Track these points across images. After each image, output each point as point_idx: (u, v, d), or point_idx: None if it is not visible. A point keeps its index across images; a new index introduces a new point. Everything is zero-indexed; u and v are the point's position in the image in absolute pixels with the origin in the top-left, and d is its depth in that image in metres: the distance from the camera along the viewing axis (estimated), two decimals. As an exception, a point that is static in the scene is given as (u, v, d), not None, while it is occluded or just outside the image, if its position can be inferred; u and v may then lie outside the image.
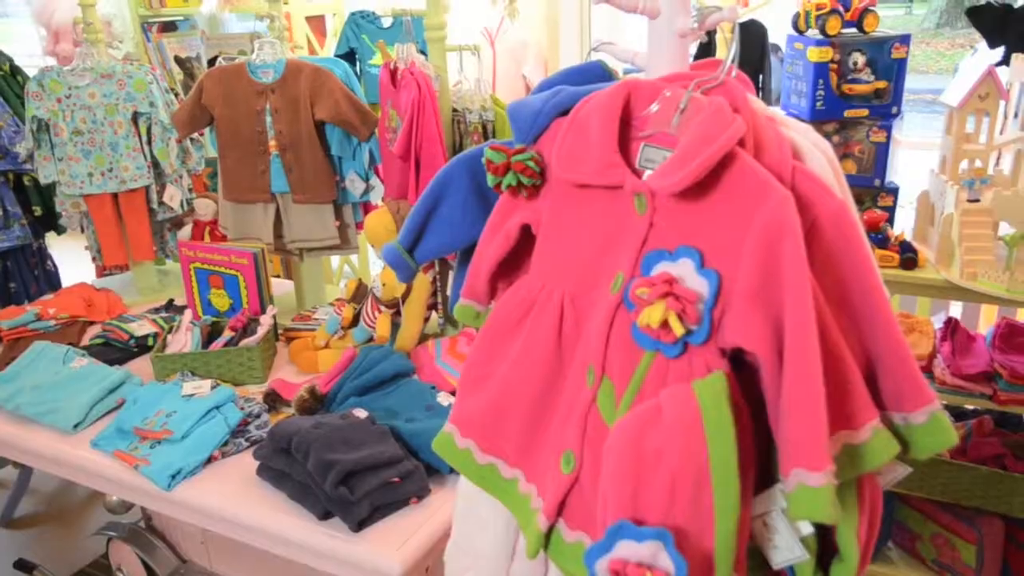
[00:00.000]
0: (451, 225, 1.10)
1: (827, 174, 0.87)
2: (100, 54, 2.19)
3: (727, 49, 2.65)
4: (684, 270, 0.83)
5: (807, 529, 0.81)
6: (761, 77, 2.64)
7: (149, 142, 2.24)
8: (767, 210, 0.78)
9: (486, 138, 1.72)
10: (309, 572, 1.94)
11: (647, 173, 0.91)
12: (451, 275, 1.83)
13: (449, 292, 1.70)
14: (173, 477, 1.51)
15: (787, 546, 0.82)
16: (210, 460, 1.56)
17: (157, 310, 2.21)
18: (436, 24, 1.77)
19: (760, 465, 0.84)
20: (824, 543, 0.84)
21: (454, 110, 1.81)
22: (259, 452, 1.50)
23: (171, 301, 2.29)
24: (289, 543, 1.40)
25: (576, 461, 0.91)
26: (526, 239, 1.03)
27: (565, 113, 0.98)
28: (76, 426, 1.69)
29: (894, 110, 1.93)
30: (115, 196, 2.28)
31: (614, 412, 0.88)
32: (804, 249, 0.76)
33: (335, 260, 3.45)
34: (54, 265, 2.66)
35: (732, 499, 0.75)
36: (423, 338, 1.87)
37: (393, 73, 1.84)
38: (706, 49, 2.68)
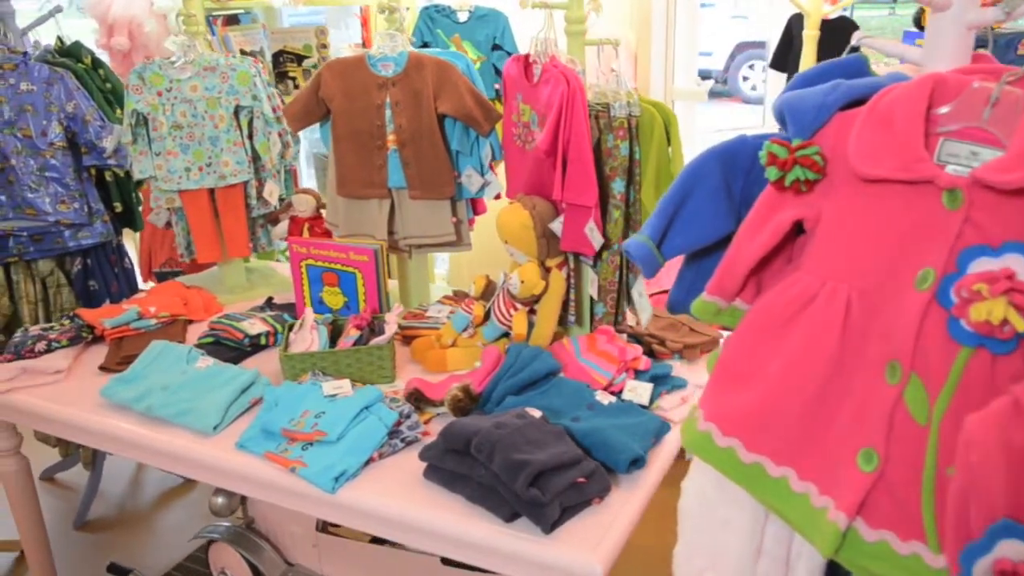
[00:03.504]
0: (698, 221, 1.08)
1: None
2: (201, 46, 2.13)
3: (812, 47, 2.65)
4: (1015, 266, 0.82)
5: None
6: (851, 74, 2.64)
7: (250, 136, 2.19)
8: (1119, 204, 0.78)
9: (630, 134, 1.70)
10: None
11: (949, 168, 0.90)
12: (588, 273, 1.81)
13: (636, 292, 1.66)
14: (336, 479, 1.48)
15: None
16: (368, 462, 1.53)
17: (262, 308, 2.16)
18: (576, 18, 1.75)
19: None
20: None
21: (588, 104, 1.78)
22: (427, 453, 1.47)
23: (270, 299, 2.24)
24: (473, 546, 1.37)
25: (880, 459, 0.89)
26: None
27: (844, 107, 0.97)
28: (215, 427, 1.65)
29: (1016, 107, 1.93)
30: (211, 191, 2.23)
31: (927, 409, 0.87)
32: None
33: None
34: (131, 263, 2.59)
35: (1103, 497, 0.75)
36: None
37: (526, 67, 1.81)
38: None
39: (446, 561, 1.87)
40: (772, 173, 0.96)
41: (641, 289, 1.21)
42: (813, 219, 0.97)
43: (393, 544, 2.06)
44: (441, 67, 1.91)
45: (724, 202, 1.08)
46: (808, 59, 2.55)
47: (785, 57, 2.82)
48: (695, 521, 1.13)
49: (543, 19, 1.76)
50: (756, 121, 7.17)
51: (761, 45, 9.49)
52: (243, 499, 2.18)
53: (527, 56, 1.80)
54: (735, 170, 1.08)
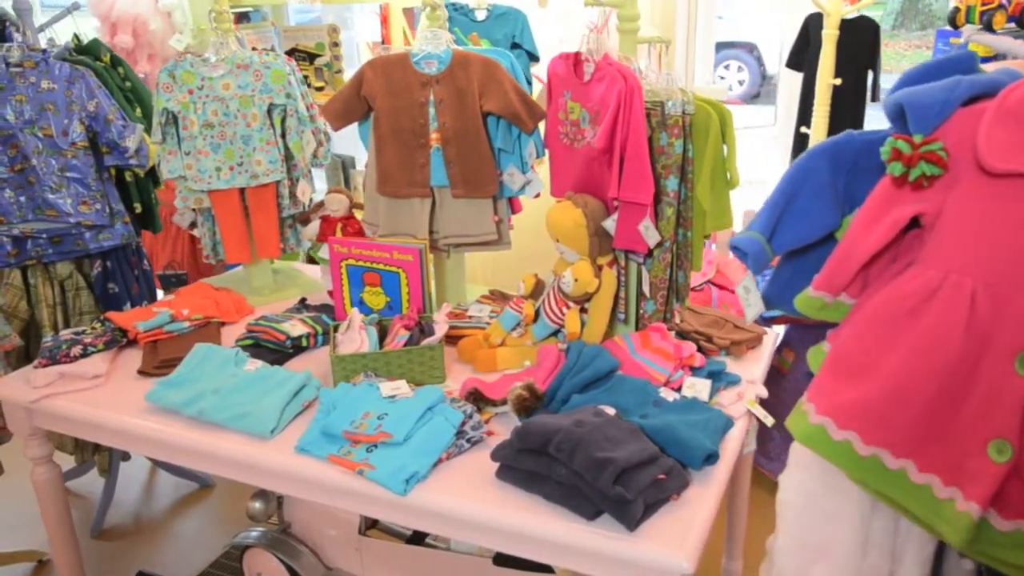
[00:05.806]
0: (807, 216, 1.09)
1: None
2: (233, 44, 2.10)
3: (832, 46, 2.69)
4: None
5: None
6: (871, 73, 2.68)
7: (283, 135, 2.16)
8: None
9: (684, 132, 1.71)
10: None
11: (1076, 162, 0.92)
12: (641, 271, 1.82)
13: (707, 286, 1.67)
14: (407, 481, 1.46)
15: None
16: (436, 463, 1.51)
17: (297, 309, 2.13)
18: (629, 15, 1.76)
19: None
20: None
21: (638, 102, 1.78)
22: (500, 453, 1.46)
23: (304, 300, 2.21)
24: (553, 545, 1.37)
25: (1013, 450, 0.91)
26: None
27: (964, 103, 0.98)
28: (272, 431, 1.62)
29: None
30: (241, 191, 2.19)
31: (1061, 401, 0.88)
32: None
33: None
34: (150, 265, 2.53)
35: None
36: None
37: (575, 64, 1.81)
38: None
39: (498, 561, 1.87)
40: (896, 169, 0.97)
41: (749, 284, 1.21)
42: (932, 214, 0.99)
43: (435, 545, 2.04)
44: (487, 65, 1.89)
45: (830, 198, 1.08)
46: (827, 58, 2.58)
47: (801, 56, 2.86)
48: (799, 515, 1.14)
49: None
50: (767, 120, 7.24)
51: (738, 46, 9.59)
52: (279, 503, 2.15)
53: (576, 54, 1.79)
54: (839, 167, 1.09)
